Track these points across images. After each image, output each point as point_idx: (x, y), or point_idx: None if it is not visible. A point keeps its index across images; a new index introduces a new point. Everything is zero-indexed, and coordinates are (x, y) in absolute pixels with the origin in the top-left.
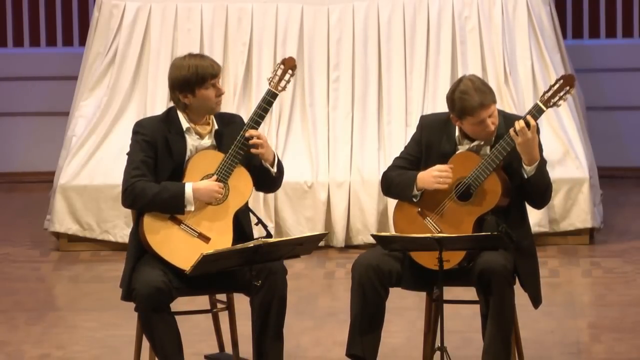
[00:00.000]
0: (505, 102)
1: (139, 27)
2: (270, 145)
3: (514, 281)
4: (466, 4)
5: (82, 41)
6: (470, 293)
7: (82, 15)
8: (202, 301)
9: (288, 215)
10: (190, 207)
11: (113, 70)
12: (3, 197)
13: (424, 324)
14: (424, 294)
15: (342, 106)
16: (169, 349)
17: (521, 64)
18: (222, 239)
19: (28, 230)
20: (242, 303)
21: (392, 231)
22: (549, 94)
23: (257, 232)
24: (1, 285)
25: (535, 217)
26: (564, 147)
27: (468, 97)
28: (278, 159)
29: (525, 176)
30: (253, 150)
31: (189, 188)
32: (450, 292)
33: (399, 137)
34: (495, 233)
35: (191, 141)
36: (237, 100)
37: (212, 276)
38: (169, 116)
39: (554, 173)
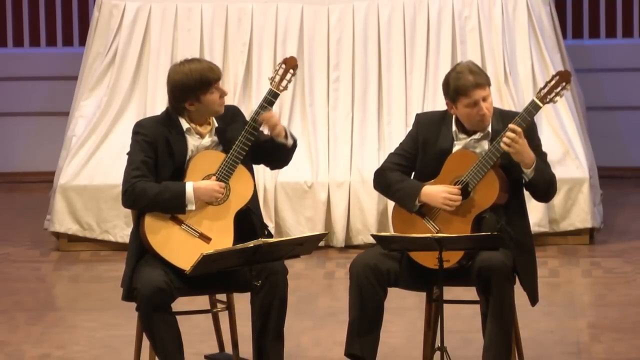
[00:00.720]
0: (505, 102)
1: (139, 27)
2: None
3: (514, 279)
4: (466, 4)
5: (82, 41)
6: (470, 293)
7: (82, 15)
8: (202, 301)
9: (288, 215)
10: (191, 207)
11: (113, 70)
12: (3, 197)
13: (424, 324)
14: (424, 294)
15: (342, 106)
16: (170, 348)
17: (521, 64)
18: (223, 239)
19: (28, 230)
20: (242, 303)
21: (392, 231)
22: (545, 90)
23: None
24: (1, 285)
25: (535, 217)
26: (564, 147)
27: (462, 76)
28: (289, 132)
29: (527, 179)
30: (272, 133)
31: (189, 187)
32: (450, 292)
33: (399, 137)
34: (496, 233)
35: (192, 141)
36: (237, 100)
37: (212, 276)
38: (169, 116)
39: (554, 173)
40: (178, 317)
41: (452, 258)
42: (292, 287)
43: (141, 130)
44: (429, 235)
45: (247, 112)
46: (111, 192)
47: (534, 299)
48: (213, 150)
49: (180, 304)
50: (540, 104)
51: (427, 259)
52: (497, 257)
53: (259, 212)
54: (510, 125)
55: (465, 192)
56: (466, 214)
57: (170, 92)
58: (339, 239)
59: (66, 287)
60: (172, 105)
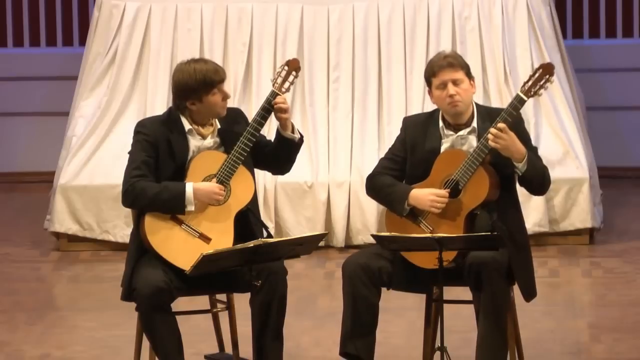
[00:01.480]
0: (505, 102)
1: (139, 27)
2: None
3: (508, 275)
4: (466, 4)
5: (82, 41)
6: (470, 293)
7: (82, 15)
8: (202, 301)
9: (288, 215)
10: (190, 208)
11: (113, 70)
12: (3, 197)
13: (423, 324)
14: (424, 294)
15: (342, 106)
16: (170, 348)
17: (521, 64)
18: (223, 240)
19: (28, 230)
20: (242, 303)
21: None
22: (529, 83)
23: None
24: (1, 285)
25: (535, 217)
26: (564, 147)
27: (435, 58)
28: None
29: (520, 173)
30: (279, 115)
31: (189, 188)
32: (450, 292)
33: None
34: (495, 233)
35: (194, 142)
36: (237, 100)
37: (212, 276)
38: (171, 117)
39: (554, 173)
40: (178, 317)
41: (447, 256)
42: (292, 287)
43: (143, 129)
44: (429, 235)
45: (247, 112)
46: (111, 192)
47: (529, 294)
48: (214, 151)
49: (180, 304)
50: (525, 98)
51: (422, 260)
52: (488, 253)
53: (258, 213)
54: (497, 124)
55: (456, 190)
56: (458, 211)
57: (174, 90)
58: (339, 239)
59: (66, 287)
60: (174, 103)
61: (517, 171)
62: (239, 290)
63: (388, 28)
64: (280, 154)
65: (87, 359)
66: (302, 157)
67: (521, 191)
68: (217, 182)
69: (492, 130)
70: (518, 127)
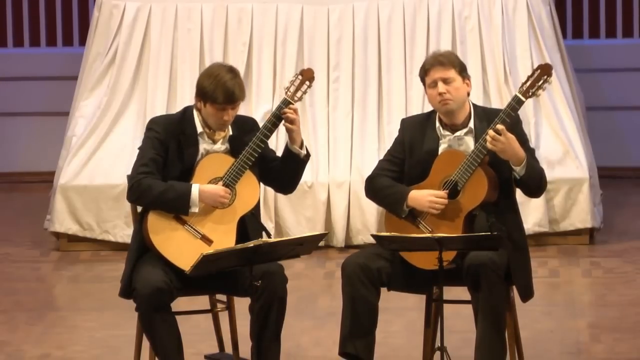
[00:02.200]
0: (505, 102)
1: (139, 27)
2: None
3: (506, 276)
4: (466, 4)
5: (82, 41)
6: (468, 293)
7: (82, 15)
8: (202, 301)
9: (288, 215)
10: (194, 209)
11: (113, 70)
12: (3, 197)
13: (423, 324)
14: (423, 294)
15: (342, 106)
16: (169, 348)
17: (521, 64)
18: (224, 242)
19: (28, 230)
20: (242, 303)
21: None
22: (528, 84)
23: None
24: (1, 285)
25: (535, 217)
26: (564, 147)
27: (428, 57)
28: (305, 146)
29: (518, 177)
30: (285, 125)
31: (195, 190)
32: (449, 292)
33: None
34: (495, 233)
35: (204, 145)
36: None
37: (212, 276)
38: (185, 117)
39: (554, 173)
40: (178, 317)
41: (447, 258)
42: (292, 287)
43: (155, 127)
44: (429, 235)
45: (247, 112)
46: (111, 192)
47: (526, 295)
48: (222, 154)
49: (180, 304)
50: (523, 99)
51: (421, 261)
52: (486, 254)
53: (259, 217)
54: (496, 126)
55: (454, 192)
56: (457, 212)
57: (198, 82)
58: (339, 239)
59: (66, 287)
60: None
61: (515, 174)
62: (239, 294)
63: (388, 28)
64: (285, 170)
65: (87, 359)
66: None
67: (520, 192)
68: (223, 186)
69: (490, 132)
70: (516, 127)
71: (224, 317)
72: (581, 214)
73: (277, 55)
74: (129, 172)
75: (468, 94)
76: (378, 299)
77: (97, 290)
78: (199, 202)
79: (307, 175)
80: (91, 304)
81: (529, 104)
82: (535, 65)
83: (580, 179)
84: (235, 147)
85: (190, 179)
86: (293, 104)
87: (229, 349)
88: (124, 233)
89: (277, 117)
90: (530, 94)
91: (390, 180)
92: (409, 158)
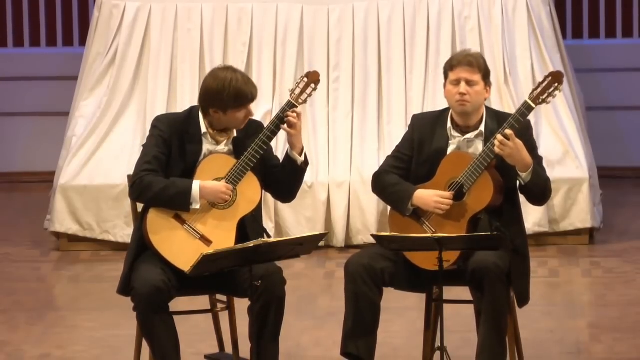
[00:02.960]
0: (505, 102)
1: (139, 27)
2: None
3: (508, 279)
4: (466, 4)
5: (82, 41)
6: (470, 293)
7: (82, 15)
8: (202, 301)
9: (288, 215)
10: (195, 205)
11: (113, 70)
12: (3, 197)
13: (424, 324)
14: (424, 294)
15: (342, 106)
16: (167, 348)
17: (521, 64)
18: (223, 243)
19: (28, 230)
20: (242, 303)
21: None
22: (538, 91)
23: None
24: (1, 285)
25: (535, 217)
26: (563, 147)
27: (459, 53)
28: (305, 153)
29: (523, 183)
30: (285, 128)
31: (196, 186)
32: (450, 292)
33: (399, 137)
34: (496, 233)
35: (207, 145)
36: None
37: (212, 276)
38: (190, 117)
39: (554, 173)
40: (178, 317)
41: (449, 259)
42: (292, 287)
43: (159, 125)
44: (429, 235)
45: None
46: (111, 192)
47: (522, 301)
48: (225, 155)
49: (180, 304)
50: (533, 105)
51: (423, 261)
52: (491, 259)
53: (260, 219)
54: (504, 131)
55: (460, 194)
56: (462, 215)
57: (202, 93)
58: (339, 239)
59: (66, 287)
60: (200, 103)
61: (520, 180)
62: (238, 295)
63: (388, 28)
64: (284, 176)
65: (87, 359)
66: None
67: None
68: None
69: (499, 136)
70: (525, 134)
71: (224, 317)
72: (581, 214)
73: (277, 55)
74: (130, 172)
75: (485, 100)
76: (380, 299)
77: (97, 290)
78: (200, 199)
79: (307, 175)
80: (91, 304)
81: None
82: (535, 65)
83: (580, 179)
84: (238, 149)
85: (192, 179)
86: (297, 107)
87: (229, 349)
88: (124, 233)
89: (280, 120)
90: (540, 100)
91: (397, 178)
92: (417, 156)
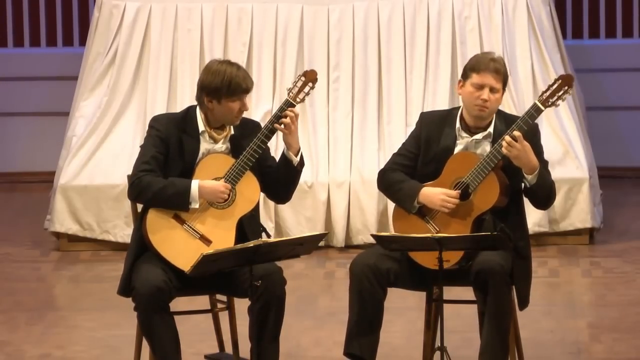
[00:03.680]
0: (505, 102)
1: (139, 27)
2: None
3: (511, 281)
4: (466, 4)
5: (82, 41)
6: (470, 293)
7: (82, 15)
8: (202, 301)
9: (288, 215)
10: (194, 205)
11: (113, 70)
12: (3, 197)
13: (424, 324)
14: (424, 294)
15: (342, 106)
16: (168, 348)
17: (521, 64)
18: (223, 243)
19: (28, 230)
20: (242, 303)
21: (391, 231)
22: (548, 93)
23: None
24: (1, 285)
25: (535, 217)
26: (563, 147)
27: (485, 57)
28: (301, 153)
29: (528, 185)
30: (278, 126)
31: (195, 185)
32: (450, 292)
33: (399, 137)
34: (495, 233)
35: (205, 144)
36: None
37: (212, 276)
38: (187, 116)
39: (554, 173)
40: (178, 317)
41: (452, 259)
42: (292, 287)
43: (156, 125)
44: (429, 235)
45: (247, 113)
46: (111, 192)
47: (523, 303)
48: (223, 154)
49: (180, 304)
50: (542, 107)
51: (427, 259)
52: (495, 260)
53: (259, 218)
54: (513, 132)
55: (465, 194)
56: (466, 215)
57: (199, 83)
58: (339, 239)
59: (66, 287)
60: (196, 97)
61: (525, 182)
62: (238, 295)
63: (388, 28)
64: (279, 176)
65: (87, 359)
66: None
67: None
68: None
69: (507, 137)
70: (533, 137)
71: (224, 317)
72: (581, 214)
73: (277, 55)
74: (129, 172)
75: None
76: (384, 299)
77: (97, 290)
78: (199, 198)
79: (307, 175)
80: (91, 304)
81: (529, 104)
82: (535, 65)
83: (580, 179)
84: (236, 147)
85: (191, 178)
86: (295, 105)
87: (229, 349)
88: (124, 233)
89: (278, 119)
90: (549, 103)
91: (403, 175)
92: (423, 154)
